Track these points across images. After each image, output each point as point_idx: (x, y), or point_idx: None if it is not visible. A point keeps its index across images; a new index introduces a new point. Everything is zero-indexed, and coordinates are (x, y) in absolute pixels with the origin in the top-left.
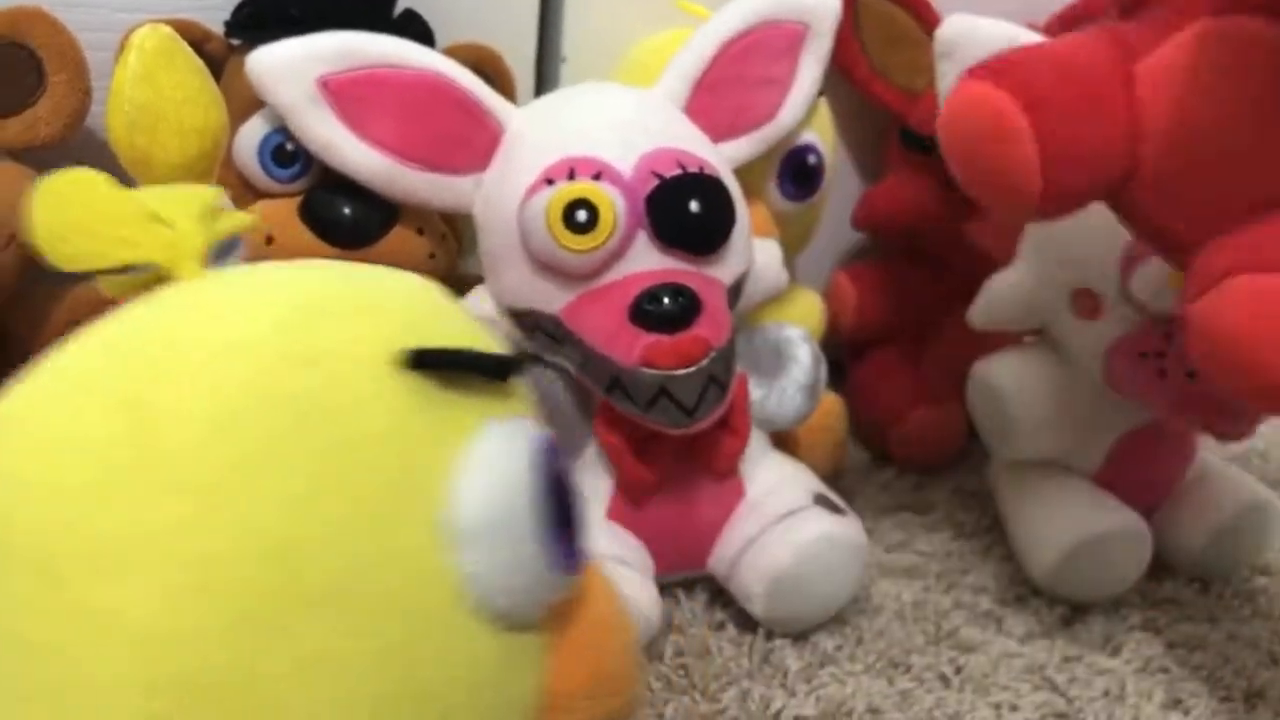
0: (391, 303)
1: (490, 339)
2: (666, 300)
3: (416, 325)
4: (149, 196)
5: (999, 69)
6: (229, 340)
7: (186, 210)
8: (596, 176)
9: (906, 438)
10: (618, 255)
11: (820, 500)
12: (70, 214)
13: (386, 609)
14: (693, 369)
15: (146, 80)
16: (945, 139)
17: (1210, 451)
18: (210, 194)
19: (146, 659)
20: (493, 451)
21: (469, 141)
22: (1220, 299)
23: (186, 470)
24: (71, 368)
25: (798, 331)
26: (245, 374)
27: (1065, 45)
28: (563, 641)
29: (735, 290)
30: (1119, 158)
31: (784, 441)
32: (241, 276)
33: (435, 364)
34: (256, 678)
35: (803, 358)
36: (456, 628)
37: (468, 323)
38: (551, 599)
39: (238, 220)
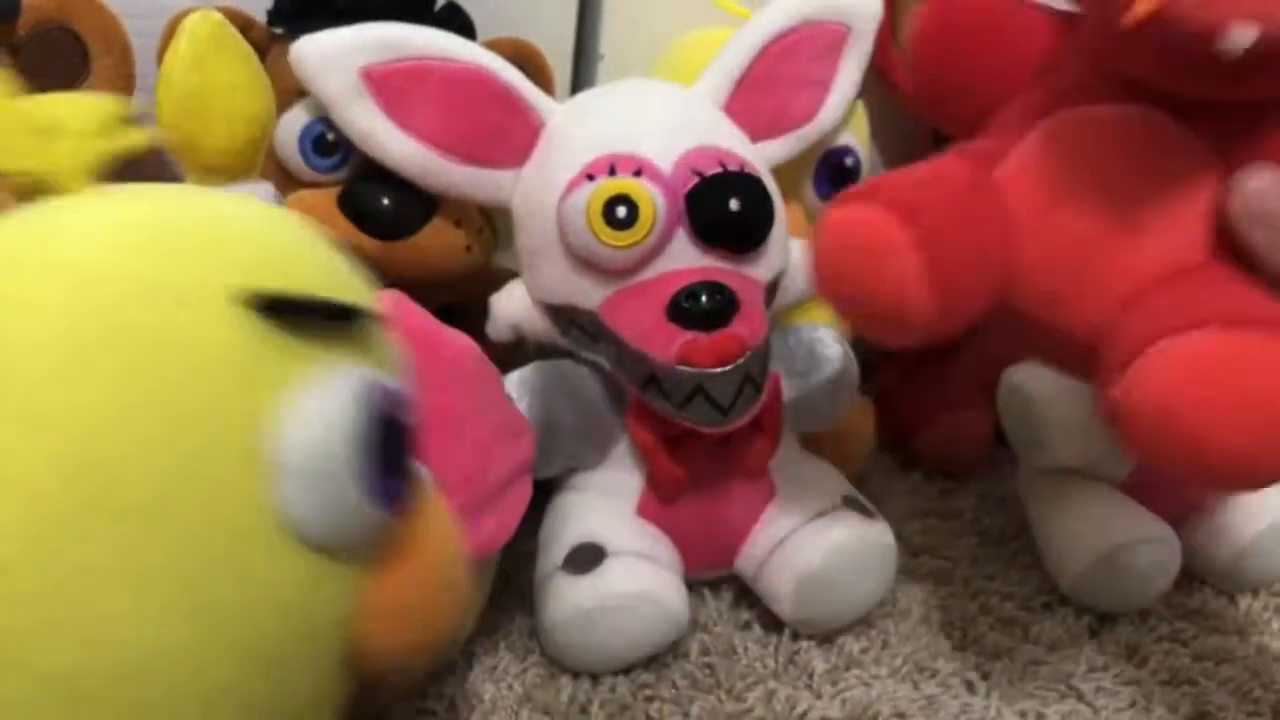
0: (248, 240)
1: (350, 284)
2: (704, 298)
3: (270, 264)
4: (45, 104)
5: (867, 191)
6: (68, 263)
7: (83, 123)
8: (637, 173)
9: (934, 442)
10: (656, 252)
11: (850, 502)
12: None
13: (197, 529)
14: (729, 368)
15: (197, 66)
16: (822, 268)
17: None
18: (113, 106)
19: None
20: (321, 392)
21: (509, 135)
22: (1148, 369)
23: (7, 385)
24: None
25: (831, 332)
26: (81, 301)
27: (926, 165)
28: (383, 571)
29: (772, 289)
30: (998, 261)
31: (812, 443)
32: (105, 200)
33: (277, 307)
34: (50, 571)
35: (835, 358)
36: (269, 554)
37: (328, 265)
38: (371, 534)
39: (139, 137)
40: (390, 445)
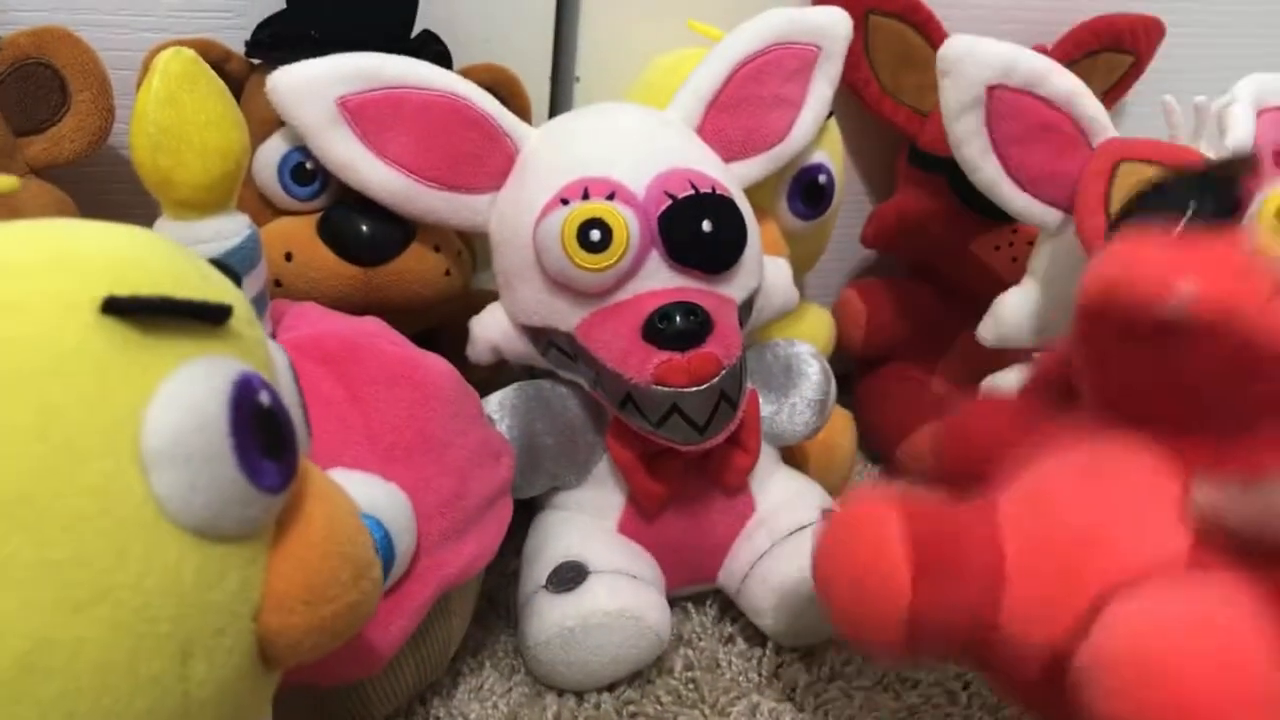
0: (97, 255)
1: (212, 286)
2: (679, 318)
3: (123, 274)
4: None
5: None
6: None
7: None
8: (610, 196)
9: (915, 453)
10: (631, 274)
11: (829, 515)
12: None
13: (75, 524)
14: (704, 386)
15: (170, 103)
16: (819, 560)
17: None
18: None
19: None
20: (185, 383)
21: (485, 161)
22: (1114, 619)
23: None
24: None
25: (807, 348)
26: None
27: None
28: (279, 549)
29: (746, 308)
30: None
31: (793, 456)
32: None
33: (131, 309)
34: None
35: (813, 374)
36: (156, 542)
37: (186, 268)
38: (257, 514)
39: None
40: (264, 429)
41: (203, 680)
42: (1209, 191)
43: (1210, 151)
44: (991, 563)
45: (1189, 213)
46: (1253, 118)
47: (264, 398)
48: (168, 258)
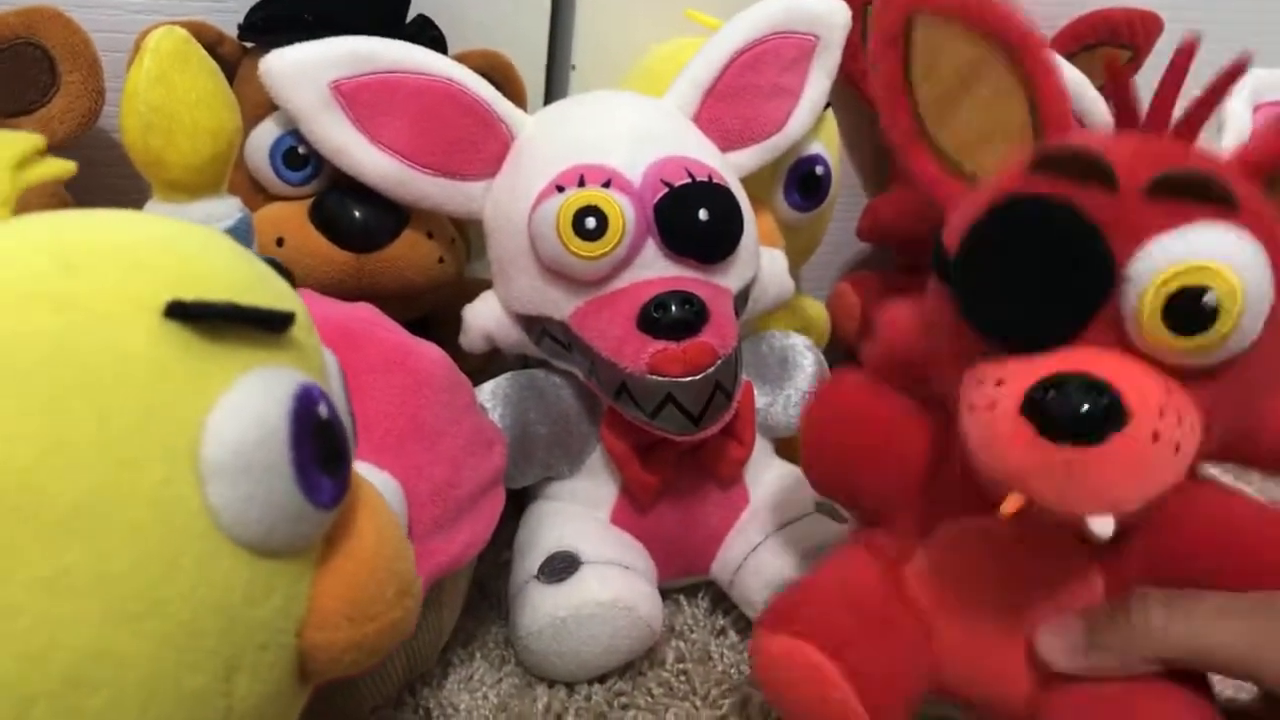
0: (165, 252)
1: (272, 292)
2: (674, 308)
3: (189, 275)
4: None
5: (789, 616)
6: None
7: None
8: (606, 184)
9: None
10: (626, 262)
11: (823, 508)
12: None
13: (131, 534)
14: (699, 376)
15: (161, 82)
16: (768, 691)
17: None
18: (30, 141)
19: None
20: (248, 393)
21: (480, 147)
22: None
23: None
24: None
25: (803, 340)
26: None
27: (838, 573)
28: (327, 566)
29: (742, 298)
30: (922, 660)
31: (788, 448)
32: (18, 225)
33: (196, 314)
34: None
35: (807, 366)
36: (209, 556)
37: (249, 274)
38: (308, 530)
39: (53, 168)
40: (322, 443)
41: (244, 695)
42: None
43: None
44: (917, 641)
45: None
46: (1250, 113)
47: (323, 410)
48: (231, 261)
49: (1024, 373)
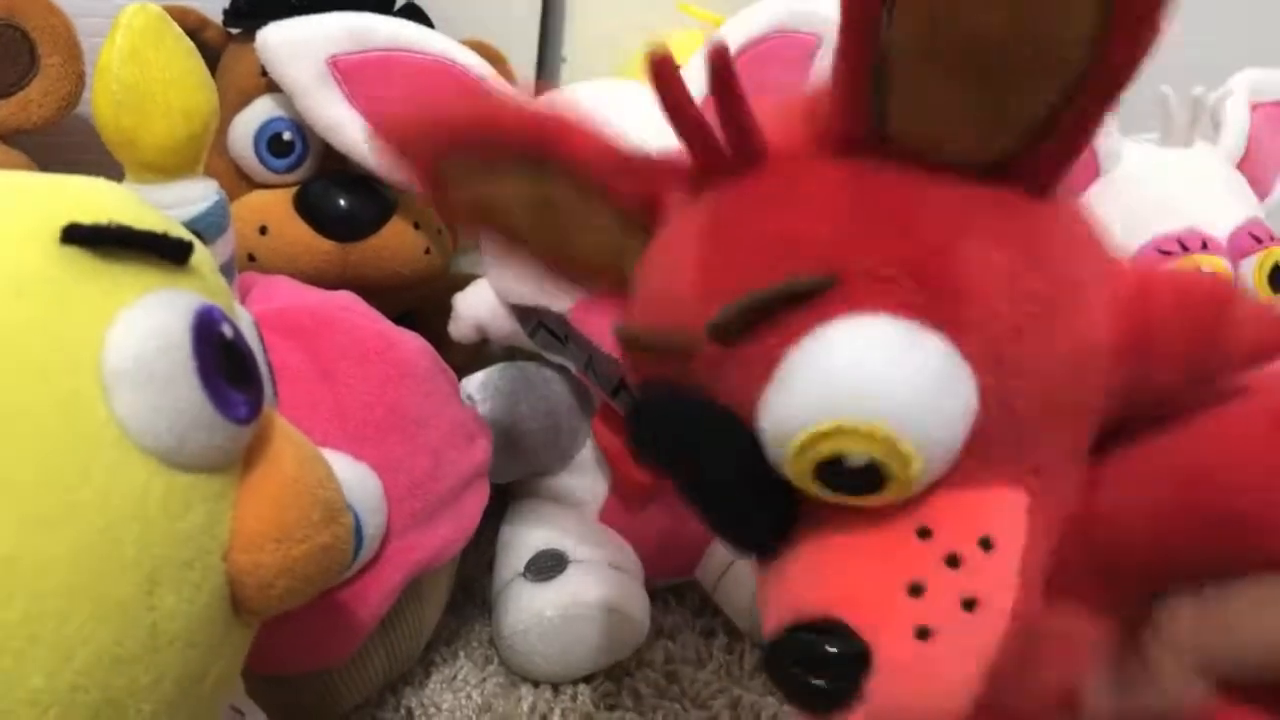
0: (56, 191)
1: (170, 226)
2: None
3: (83, 207)
4: None
5: None
6: None
7: None
8: None
9: None
10: None
11: None
12: None
13: (39, 442)
14: None
15: (134, 59)
16: None
17: None
18: None
19: None
20: (147, 309)
21: None
22: None
23: None
24: None
25: None
26: None
27: None
28: (248, 486)
29: None
30: None
31: None
32: None
33: (93, 237)
34: None
35: None
36: (119, 463)
37: (145, 211)
38: (223, 444)
39: None
40: (228, 358)
41: (171, 613)
42: None
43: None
44: None
45: None
46: (1248, 111)
47: (226, 329)
48: (127, 197)
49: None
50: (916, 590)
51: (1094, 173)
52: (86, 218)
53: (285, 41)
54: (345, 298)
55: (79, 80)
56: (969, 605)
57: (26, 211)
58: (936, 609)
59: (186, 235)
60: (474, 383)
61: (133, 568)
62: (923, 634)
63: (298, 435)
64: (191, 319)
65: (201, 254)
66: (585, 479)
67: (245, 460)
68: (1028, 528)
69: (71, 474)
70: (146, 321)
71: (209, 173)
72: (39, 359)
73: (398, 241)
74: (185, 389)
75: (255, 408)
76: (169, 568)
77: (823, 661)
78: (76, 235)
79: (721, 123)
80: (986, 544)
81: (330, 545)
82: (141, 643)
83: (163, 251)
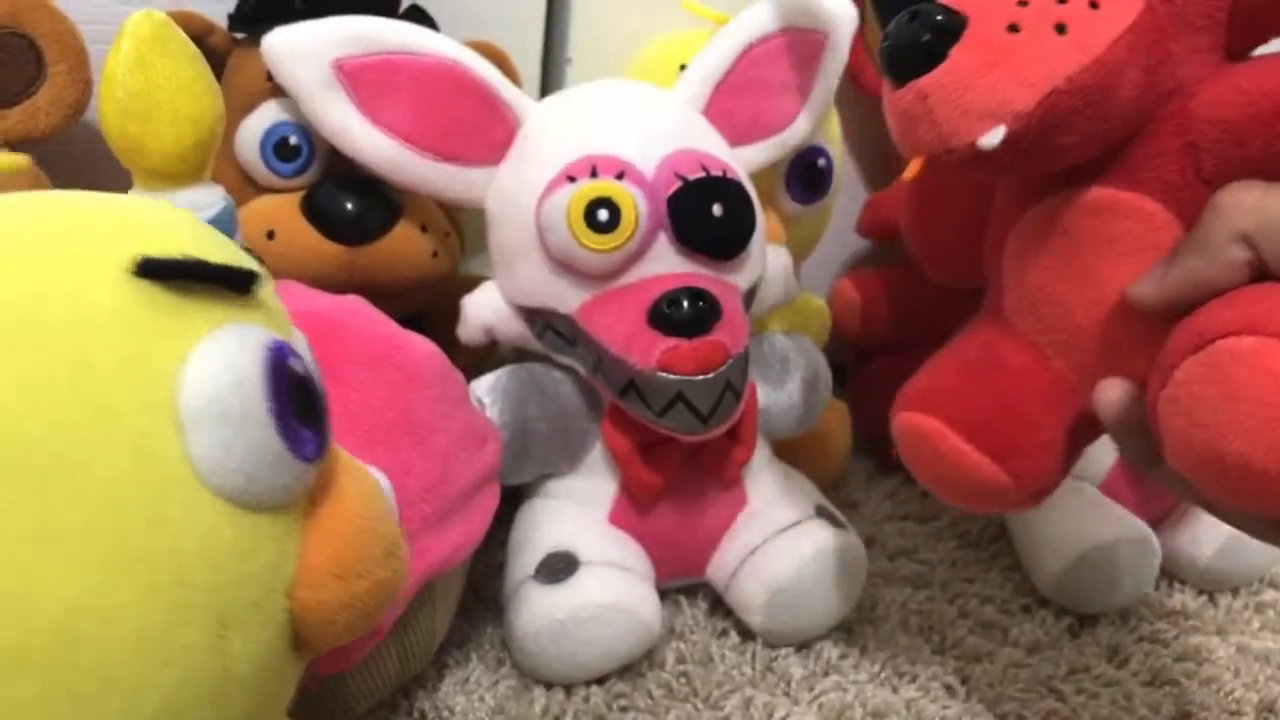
0: (123, 220)
1: (237, 256)
2: (686, 304)
3: (151, 239)
4: None
5: (929, 399)
6: None
7: None
8: (619, 175)
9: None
10: (637, 256)
11: (821, 513)
12: None
13: (110, 485)
14: (711, 375)
15: (139, 66)
16: (913, 467)
17: None
18: None
19: None
20: (220, 344)
21: (484, 133)
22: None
23: None
24: None
25: (803, 340)
26: None
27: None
28: (313, 523)
29: (750, 296)
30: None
31: (788, 449)
32: None
33: (165, 271)
34: None
35: (808, 365)
36: (191, 506)
37: (211, 239)
38: (291, 483)
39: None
40: (298, 395)
41: (239, 655)
42: None
43: None
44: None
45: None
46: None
47: (296, 365)
48: (191, 225)
49: None
50: (1023, 2)
51: None
52: (155, 248)
53: (290, 46)
54: (353, 301)
55: (86, 88)
56: (1060, 29)
57: (96, 241)
58: (1031, 17)
59: (250, 264)
60: (483, 385)
61: (204, 610)
62: (1013, 28)
63: (358, 466)
64: (263, 354)
65: (264, 282)
66: (595, 480)
67: (309, 495)
68: (1136, 19)
69: (144, 518)
70: (220, 358)
71: (215, 178)
72: (113, 399)
73: (405, 244)
74: (258, 428)
75: (323, 445)
76: (238, 609)
77: (928, 20)
78: (149, 269)
79: None
80: (1094, 4)
81: (388, 580)
82: (211, 686)
83: (231, 283)
